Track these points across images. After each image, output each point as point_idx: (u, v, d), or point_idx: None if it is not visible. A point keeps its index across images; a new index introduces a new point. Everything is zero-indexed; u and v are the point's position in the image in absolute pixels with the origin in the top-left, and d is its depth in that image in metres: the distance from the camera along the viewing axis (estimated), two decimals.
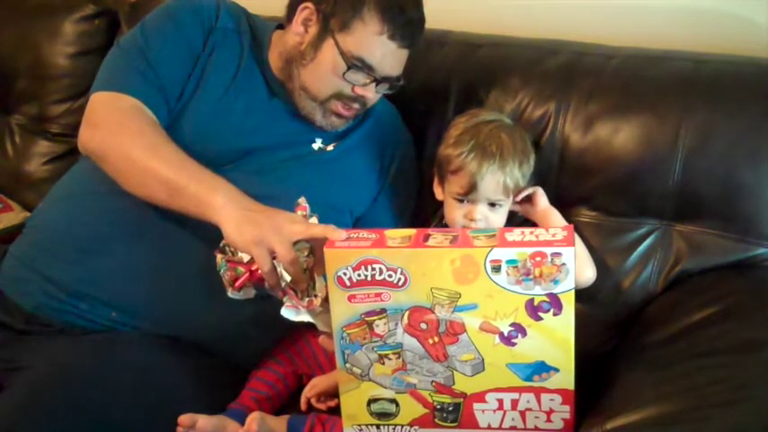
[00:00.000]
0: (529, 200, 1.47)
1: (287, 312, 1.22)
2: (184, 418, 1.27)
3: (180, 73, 1.45)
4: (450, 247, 1.11)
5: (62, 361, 1.30)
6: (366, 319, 1.16)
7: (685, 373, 1.17)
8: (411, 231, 1.15)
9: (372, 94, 1.45)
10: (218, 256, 1.24)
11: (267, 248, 1.18)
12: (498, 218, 1.42)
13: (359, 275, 1.13)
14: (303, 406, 1.42)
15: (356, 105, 1.47)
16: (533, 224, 1.46)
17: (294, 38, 1.46)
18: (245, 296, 1.25)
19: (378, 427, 1.25)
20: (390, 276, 1.12)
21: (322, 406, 1.41)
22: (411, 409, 1.23)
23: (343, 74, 1.42)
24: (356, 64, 1.41)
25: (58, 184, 1.54)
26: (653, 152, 1.46)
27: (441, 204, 1.50)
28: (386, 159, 1.57)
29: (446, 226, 1.47)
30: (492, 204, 1.41)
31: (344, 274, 1.13)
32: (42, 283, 1.40)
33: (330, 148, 1.51)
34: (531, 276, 1.09)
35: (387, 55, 1.42)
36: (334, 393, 1.33)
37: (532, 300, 1.11)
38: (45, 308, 1.39)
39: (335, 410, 1.31)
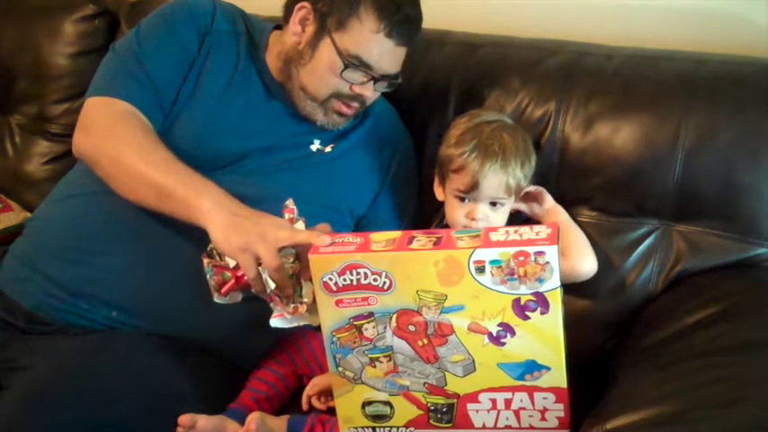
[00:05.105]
0: (535, 198, 1.47)
1: (276, 322, 1.23)
2: (184, 419, 1.27)
3: (175, 77, 1.46)
4: (433, 250, 1.10)
5: (62, 361, 1.30)
6: (354, 323, 1.17)
7: (685, 373, 1.16)
8: (396, 234, 1.15)
9: (371, 92, 1.45)
10: (205, 261, 1.25)
11: (253, 255, 1.18)
12: (500, 217, 1.42)
13: (344, 280, 1.13)
14: (305, 405, 1.41)
15: (356, 104, 1.47)
16: (537, 223, 1.46)
17: (292, 38, 1.46)
18: (231, 301, 1.26)
19: (374, 429, 1.26)
20: (375, 280, 1.13)
21: (322, 406, 1.41)
22: (405, 410, 1.23)
23: (341, 73, 1.42)
24: (353, 63, 1.41)
25: (59, 184, 1.55)
26: (653, 152, 1.46)
27: (442, 204, 1.49)
28: (385, 159, 1.57)
29: (447, 226, 1.47)
30: (493, 204, 1.41)
31: (330, 279, 1.14)
32: (43, 282, 1.40)
33: (328, 149, 1.51)
34: (516, 276, 1.09)
35: (384, 53, 1.43)
36: None
37: (519, 299, 1.11)
38: (45, 307, 1.39)
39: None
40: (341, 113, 1.48)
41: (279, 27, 1.53)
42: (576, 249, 1.41)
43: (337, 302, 1.15)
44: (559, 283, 1.10)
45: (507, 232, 1.12)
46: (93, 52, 1.94)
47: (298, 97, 1.47)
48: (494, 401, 1.19)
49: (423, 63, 1.63)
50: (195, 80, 1.47)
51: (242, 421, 1.31)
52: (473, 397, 1.20)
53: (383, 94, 1.52)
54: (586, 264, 1.42)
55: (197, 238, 1.26)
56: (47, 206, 1.53)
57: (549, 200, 1.47)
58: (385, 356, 1.19)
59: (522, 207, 1.48)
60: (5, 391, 1.27)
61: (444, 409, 1.22)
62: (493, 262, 1.09)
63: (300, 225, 1.24)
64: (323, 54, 1.43)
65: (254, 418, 1.29)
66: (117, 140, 1.36)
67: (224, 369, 1.44)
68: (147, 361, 1.35)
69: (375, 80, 1.44)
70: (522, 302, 1.11)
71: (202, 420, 1.28)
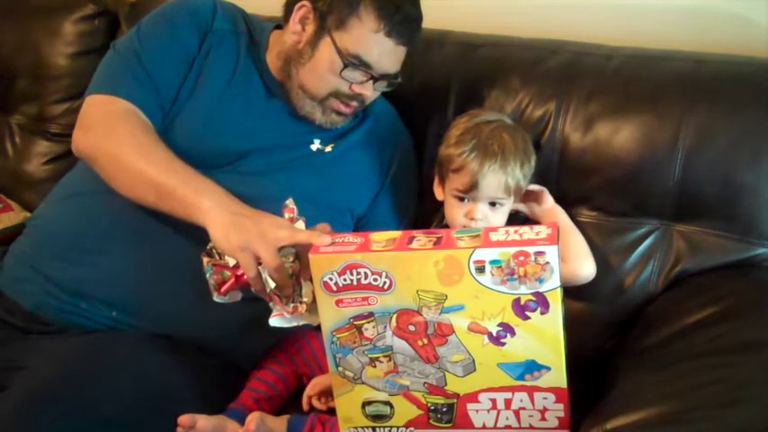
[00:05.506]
0: (535, 198, 1.47)
1: (275, 321, 1.24)
2: (184, 419, 1.27)
3: (175, 76, 1.46)
4: (433, 249, 1.11)
5: (62, 361, 1.30)
6: (355, 323, 1.17)
7: (685, 373, 1.17)
8: (396, 234, 1.15)
9: (370, 91, 1.45)
10: (205, 260, 1.25)
11: (252, 254, 1.19)
12: (499, 217, 1.42)
13: (344, 280, 1.13)
14: (305, 406, 1.41)
15: (355, 103, 1.47)
16: (536, 224, 1.46)
17: (292, 37, 1.46)
18: (231, 300, 1.26)
19: (373, 429, 1.26)
20: (375, 280, 1.13)
21: (323, 406, 1.41)
22: (405, 410, 1.23)
23: (341, 72, 1.42)
24: (353, 62, 1.41)
25: (60, 184, 1.55)
26: (653, 152, 1.46)
27: (441, 204, 1.49)
28: (385, 159, 1.57)
29: (447, 226, 1.47)
30: (493, 204, 1.41)
31: (330, 279, 1.14)
32: (43, 282, 1.40)
33: (328, 149, 1.51)
34: (516, 276, 1.09)
35: (384, 52, 1.43)
36: None
37: (519, 299, 1.11)
38: (45, 307, 1.39)
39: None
40: (339, 113, 1.48)
41: (279, 27, 1.54)
42: (575, 254, 1.41)
43: (337, 302, 1.15)
44: (559, 283, 1.10)
45: (507, 232, 1.12)
46: (93, 52, 1.94)
47: (297, 96, 1.47)
48: (494, 401, 1.20)
49: (423, 63, 1.63)
50: (195, 79, 1.47)
51: (242, 421, 1.31)
52: (473, 397, 1.20)
53: (383, 93, 1.52)
54: (585, 269, 1.42)
55: (197, 237, 1.26)
56: (47, 206, 1.53)
57: (549, 200, 1.47)
58: (385, 356, 1.19)
59: (522, 207, 1.48)
60: (5, 391, 1.26)
61: (444, 409, 1.22)
62: (493, 262, 1.09)
63: (300, 224, 1.24)
64: (323, 53, 1.43)
65: (253, 418, 1.29)
66: (117, 139, 1.36)
67: (224, 369, 1.44)
68: (146, 361, 1.35)
69: (375, 79, 1.44)
70: (522, 302, 1.11)
71: (202, 420, 1.28)
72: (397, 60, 1.46)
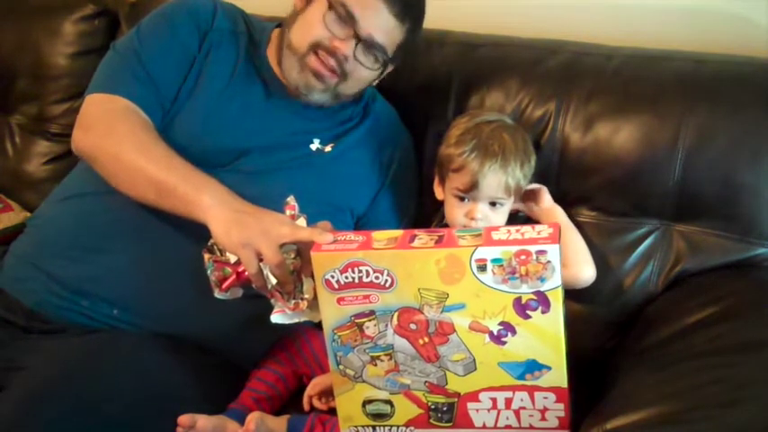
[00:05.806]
0: (534, 197, 1.47)
1: (277, 318, 1.23)
2: (184, 419, 1.27)
3: (175, 75, 1.46)
4: (434, 248, 1.11)
5: (62, 360, 1.30)
6: (356, 321, 1.17)
7: (685, 373, 1.17)
8: (398, 233, 1.15)
9: (350, 50, 1.42)
10: (206, 256, 1.25)
11: (254, 251, 1.19)
12: (499, 217, 1.42)
13: (346, 278, 1.14)
14: (306, 406, 1.41)
15: (332, 62, 1.43)
16: (536, 223, 1.46)
17: (294, 2, 1.47)
18: (232, 296, 1.26)
19: (374, 428, 1.26)
20: (377, 278, 1.13)
21: (324, 406, 1.41)
22: (406, 409, 1.23)
23: (325, 18, 1.41)
24: (339, 9, 1.40)
25: (60, 185, 1.55)
26: (653, 152, 1.46)
27: (442, 204, 1.49)
28: (385, 158, 1.57)
29: (447, 226, 1.47)
30: (493, 204, 1.41)
31: (332, 276, 1.14)
32: (45, 280, 1.40)
33: (328, 148, 1.51)
34: (518, 275, 1.09)
35: (373, 13, 1.41)
36: None
37: (520, 298, 1.11)
38: (47, 305, 1.39)
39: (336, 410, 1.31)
40: (317, 74, 1.44)
41: (280, 26, 1.54)
42: (574, 257, 1.41)
43: (339, 300, 1.15)
44: (561, 282, 1.10)
45: (509, 231, 1.12)
46: (93, 52, 1.94)
47: (285, 59, 1.46)
48: (494, 401, 1.20)
49: (423, 63, 1.63)
50: (195, 79, 1.47)
51: (242, 421, 1.31)
52: (473, 396, 1.20)
53: (380, 90, 1.52)
54: (585, 272, 1.42)
55: (198, 235, 1.27)
56: (48, 205, 1.53)
57: (547, 198, 1.47)
58: (386, 355, 1.19)
59: (521, 207, 1.48)
60: (5, 391, 1.26)
61: (445, 409, 1.22)
62: (494, 260, 1.09)
63: (302, 222, 1.24)
64: (315, 5, 1.43)
65: (253, 417, 1.29)
66: (117, 137, 1.36)
67: (224, 369, 1.44)
68: (147, 360, 1.35)
69: (358, 40, 1.42)
70: (524, 301, 1.11)
71: (202, 420, 1.28)
72: (385, 31, 1.43)
